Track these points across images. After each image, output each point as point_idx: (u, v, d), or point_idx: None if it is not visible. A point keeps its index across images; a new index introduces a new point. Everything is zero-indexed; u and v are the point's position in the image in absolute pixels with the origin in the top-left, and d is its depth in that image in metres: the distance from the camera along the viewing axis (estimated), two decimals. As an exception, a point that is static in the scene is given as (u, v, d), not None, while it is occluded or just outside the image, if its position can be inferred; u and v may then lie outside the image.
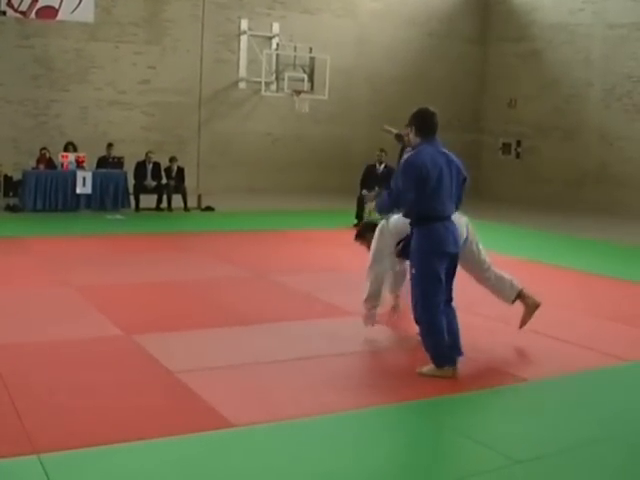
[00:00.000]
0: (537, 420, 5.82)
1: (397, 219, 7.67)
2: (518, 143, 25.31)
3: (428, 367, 6.71)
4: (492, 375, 6.90)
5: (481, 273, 7.97)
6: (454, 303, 6.87)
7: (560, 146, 24.68)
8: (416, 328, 7.10)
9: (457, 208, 6.95)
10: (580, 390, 6.61)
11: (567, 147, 24.56)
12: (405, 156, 6.88)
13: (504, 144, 25.45)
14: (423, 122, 6.97)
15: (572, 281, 11.48)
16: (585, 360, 7.42)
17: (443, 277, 6.64)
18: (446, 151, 6.85)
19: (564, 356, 7.52)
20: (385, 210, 7.19)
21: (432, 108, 7.14)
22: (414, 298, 6.79)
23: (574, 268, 12.34)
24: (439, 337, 6.65)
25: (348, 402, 5.96)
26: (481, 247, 7.93)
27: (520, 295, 8.01)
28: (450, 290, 6.82)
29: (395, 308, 8.56)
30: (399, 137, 11.37)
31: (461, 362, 6.72)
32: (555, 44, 24.98)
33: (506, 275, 8.03)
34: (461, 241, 7.06)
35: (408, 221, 6.91)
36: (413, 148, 6.85)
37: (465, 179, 6.91)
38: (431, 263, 6.58)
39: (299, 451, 5.12)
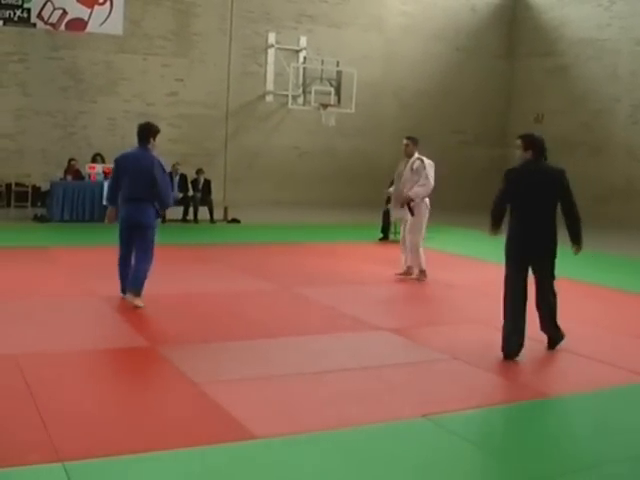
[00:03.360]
0: (560, 437, 5.78)
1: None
2: (544, 158, 25.22)
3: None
4: (515, 390, 6.87)
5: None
6: (134, 258, 9.47)
7: (587, 162, 24.56)
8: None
9: (160, 193, 9.29)
10: (605, 408, 6.56)
11: (594, 163, 24.45)
12: None
13: (531, 159, 25.27)
14: (139, 132, 9.49)
15: (598, 298, 11.40)
16: (610, 377, 7.36)
17: (127, 240, 9.47)
18: (148, 154, 9.39)
19: (589, 373, 7.48)
20: (108, 198, 9.92)
21: (150, 123, 9.78)
22: None
23: (600, 284, 12.27)
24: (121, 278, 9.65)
25: (372, 415, 5.95)
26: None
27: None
28: (141, 245, 9.45)
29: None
30: None
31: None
32: (582, 59, 24.93)
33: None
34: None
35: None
36: None
37: (156, 175, 9.23)
38: (121, 230, 9.51)
39: (322, 464, 5.11)
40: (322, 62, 23.02)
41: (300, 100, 22.89)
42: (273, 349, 7.79)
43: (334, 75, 22.94)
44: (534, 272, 7.85)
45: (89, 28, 18.82)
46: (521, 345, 7.70)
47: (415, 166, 11.92)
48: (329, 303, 10.09)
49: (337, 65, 23.00)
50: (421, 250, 12.02)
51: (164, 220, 18.36)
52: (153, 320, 8.98)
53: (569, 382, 7.15)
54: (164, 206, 9.68)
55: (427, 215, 12.18)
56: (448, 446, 5.53)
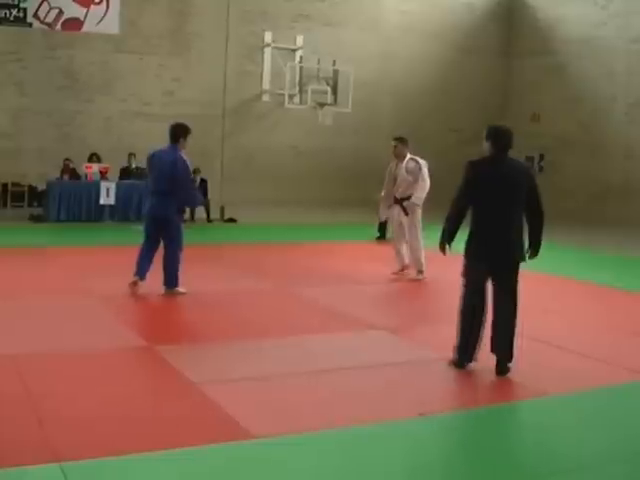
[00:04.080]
0: (556, 435, 5.77)
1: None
2: (541, 157, 25.22)
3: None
4: (513, 389, 6.87)
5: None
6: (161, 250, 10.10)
7: (584, 160, 24.57)
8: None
9: (178, 189, 9.82)
10: (601, 406, 6.55)
11: (591, 161, 24.45)
12: None
13: (527, 158, 25.21)
14: (170, 131, 10.16)
15: (595, 296, 11.40)
16: (607, 375, 7.36)
17: (151, 232, 10.04)
18: (173, 152, 9.97)
19: (585, 371, 7.47)
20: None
21: (180, 124, 10.40)
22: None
23: (597, 283, 12.27)
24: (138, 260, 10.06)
25: (368, 415, 5.94)
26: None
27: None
28: (165, 240, 10.08)
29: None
30: None
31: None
32: (579, 58, 24.93)
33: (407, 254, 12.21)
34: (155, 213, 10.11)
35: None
36: None
37: (176, 171, 9.83)
38: (146, 222, 10.12)
39: (319, 463, 5.11)
40: (319, 61, 22.95)
41: (297, 99, 22.83)
42: (270, 348, 7.78)
43: (331, 74, 22.88)
44: (493, 281, 7.02)
45: (85, 28, 18.77)
46: (471, 358, 7.12)
47: (410, 167, 11.98)
48: (326, 302, 10.09)
49: (334, 64, 22.95)
50: (422, 250, 12.01)
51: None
52: (151, 320, 8.98)
53: (568, 381, 7.13)
54: (183, 203, 10.25)
55: (420, 213, 12.18)
56: (445, 445, 5.54)
